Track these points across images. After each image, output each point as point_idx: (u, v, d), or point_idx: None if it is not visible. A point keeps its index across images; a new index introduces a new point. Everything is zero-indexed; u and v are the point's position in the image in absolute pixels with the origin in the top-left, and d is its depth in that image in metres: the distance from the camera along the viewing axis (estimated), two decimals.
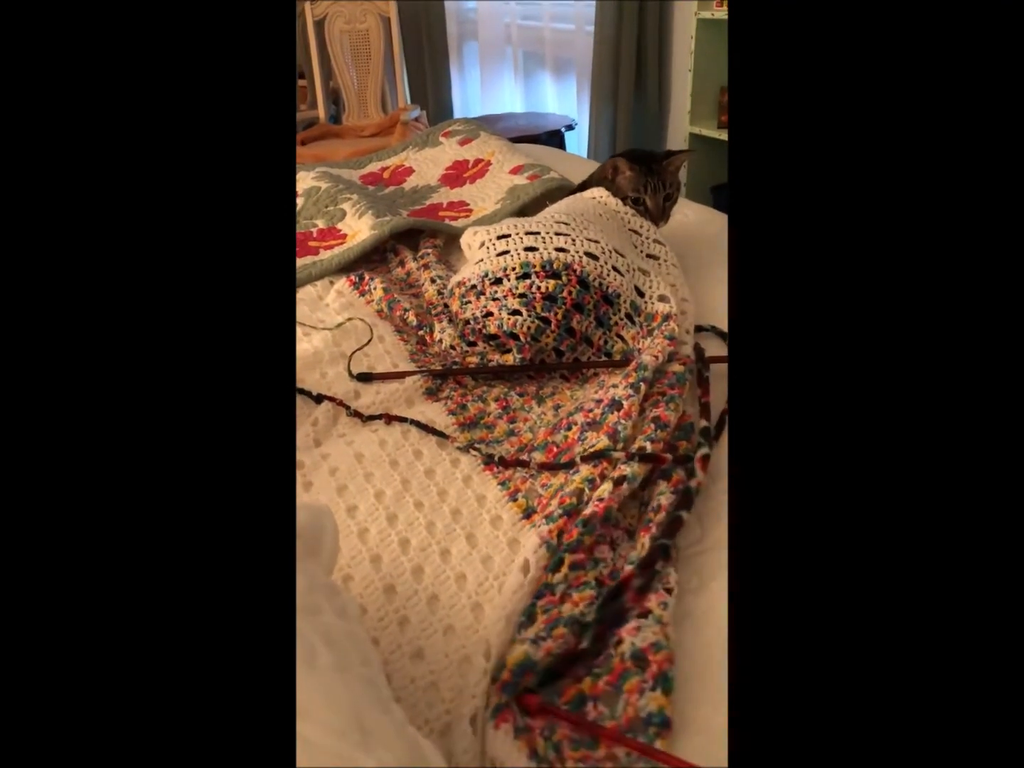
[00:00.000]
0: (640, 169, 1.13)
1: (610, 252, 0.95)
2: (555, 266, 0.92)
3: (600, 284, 0.92)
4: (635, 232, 1.08)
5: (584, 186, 1.21)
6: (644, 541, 0.61)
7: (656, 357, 0.82)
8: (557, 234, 0.96)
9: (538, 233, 0.96)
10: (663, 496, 0.66)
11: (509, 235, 0.98)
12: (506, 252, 0.96)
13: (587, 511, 0.64)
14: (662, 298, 0.94)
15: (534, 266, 0.92)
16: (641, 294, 0.95)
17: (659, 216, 1.14)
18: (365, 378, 0.90)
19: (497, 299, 0.93)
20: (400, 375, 0.90)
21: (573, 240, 0.95)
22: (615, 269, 0.94)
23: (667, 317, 0.91)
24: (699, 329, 0.97)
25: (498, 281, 0.94)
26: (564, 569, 0.59)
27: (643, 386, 0.78)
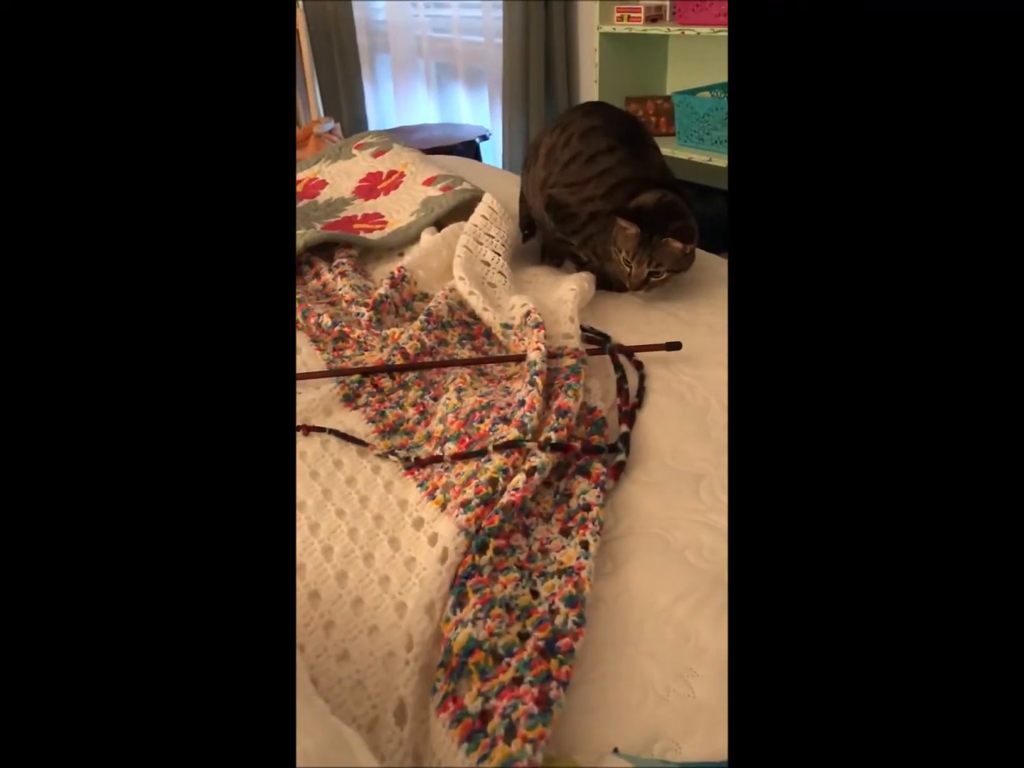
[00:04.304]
0: (642, 237, 1.06)
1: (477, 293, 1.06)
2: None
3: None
4: (485, 263, 1.15)
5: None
6: (586, 538, 0.64)
7: (539, 349, 0.88)
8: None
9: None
10: (587, 494, 0.69)
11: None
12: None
13: (504, 500, 0.66)
14: (518, 298, 1.03)
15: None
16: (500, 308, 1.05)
17: (638, 286, 1.10)
18: None
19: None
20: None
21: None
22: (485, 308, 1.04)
23: (527, 312, 0.98)
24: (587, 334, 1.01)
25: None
26: (489, 552, 0.61)
27: (538, 379, 0.82)
